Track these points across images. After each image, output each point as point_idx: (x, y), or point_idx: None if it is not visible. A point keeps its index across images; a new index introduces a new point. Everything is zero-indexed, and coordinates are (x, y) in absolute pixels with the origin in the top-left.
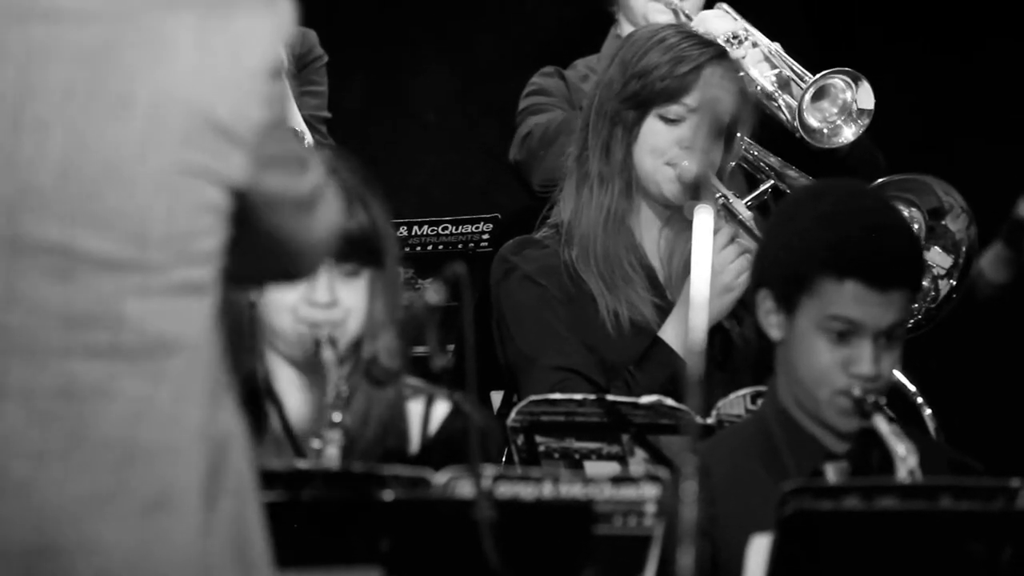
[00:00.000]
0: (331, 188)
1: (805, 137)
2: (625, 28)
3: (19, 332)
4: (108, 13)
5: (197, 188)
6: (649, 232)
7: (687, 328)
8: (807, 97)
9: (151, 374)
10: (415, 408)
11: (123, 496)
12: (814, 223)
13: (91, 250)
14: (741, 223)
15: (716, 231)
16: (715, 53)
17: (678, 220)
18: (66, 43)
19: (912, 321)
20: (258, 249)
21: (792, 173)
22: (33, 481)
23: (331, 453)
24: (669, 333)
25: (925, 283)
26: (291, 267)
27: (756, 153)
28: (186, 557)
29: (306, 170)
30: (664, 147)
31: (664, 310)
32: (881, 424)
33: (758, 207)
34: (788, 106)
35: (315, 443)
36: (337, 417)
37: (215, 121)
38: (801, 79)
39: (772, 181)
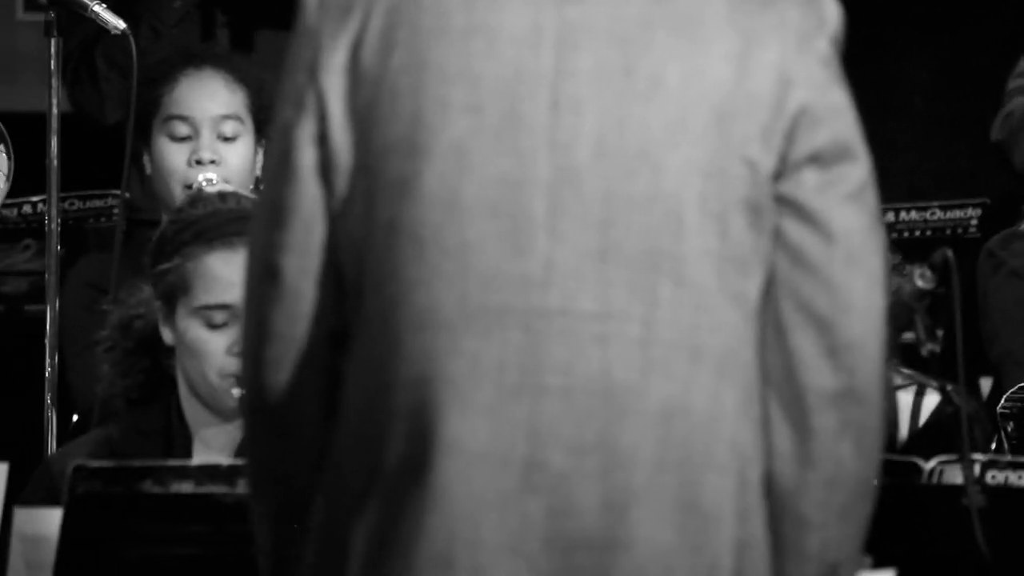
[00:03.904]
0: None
1: None
2: None
3: (557, 316)
4: None
5: (730, 178)
6: None
7: None
8: None
9: (682, 379)
10: (905, 398)
11: (655, 495)
12: None
13: (626, 232)
14: None
15: None
16: None
17: None
18: (599, 24)
19: None
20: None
21: None
22: (572, 475)
23: None
24: None
25: None
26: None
27: None
28: (720, 568)
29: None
30: None
31: None
32: None
33: None
34: None
35: None
36: None
37: (749, 111)
38: None
39: None
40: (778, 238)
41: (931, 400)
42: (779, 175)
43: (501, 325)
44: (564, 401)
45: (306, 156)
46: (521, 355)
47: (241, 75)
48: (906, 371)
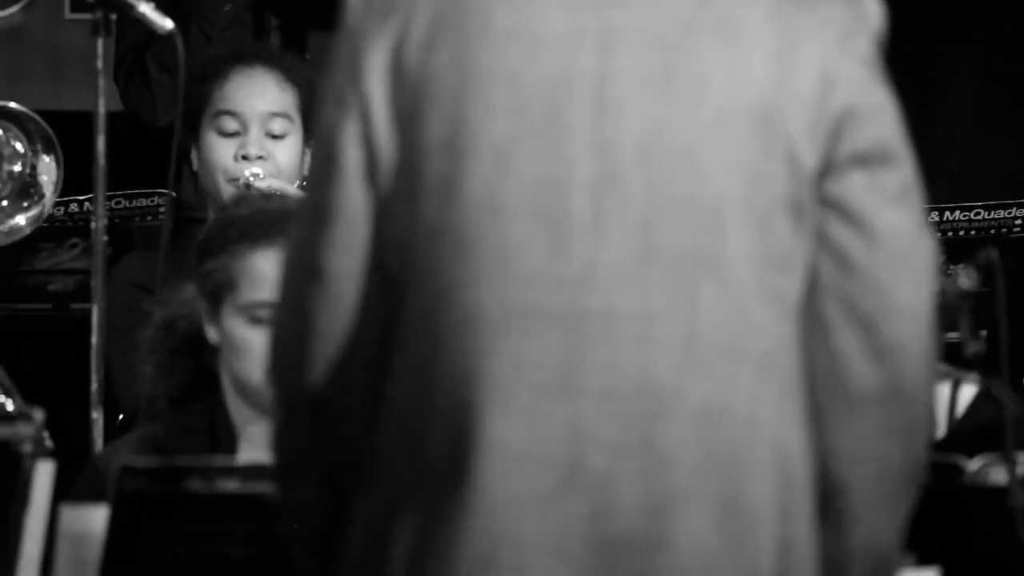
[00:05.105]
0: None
1: None
2: None
3: (598, 318)
4: None
5: (772, 178)
6: None
7: None
8: None
9: (723, 379)
10: (942, 390)
11: (696, 497)
12: None
13: (668, 234)
14: None
15: None
16: None
17: None
18: (641, 27)
19: None
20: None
21: None
22: (613, 476)
23: None
24: None
25: None
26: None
27: None
28: (761, 570)
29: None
30: None
31: None
32: None
33: None
34: None
35: None
36: None
37: (791, 111)
38: None
39: None
40: (822, 239)
41: (968, 392)
42: (822, 176)
43: (542, 326)
44: (605, 402)
45: (351, 157)
46: (562, 356)
47: (292, 74)
48: (940, 366)
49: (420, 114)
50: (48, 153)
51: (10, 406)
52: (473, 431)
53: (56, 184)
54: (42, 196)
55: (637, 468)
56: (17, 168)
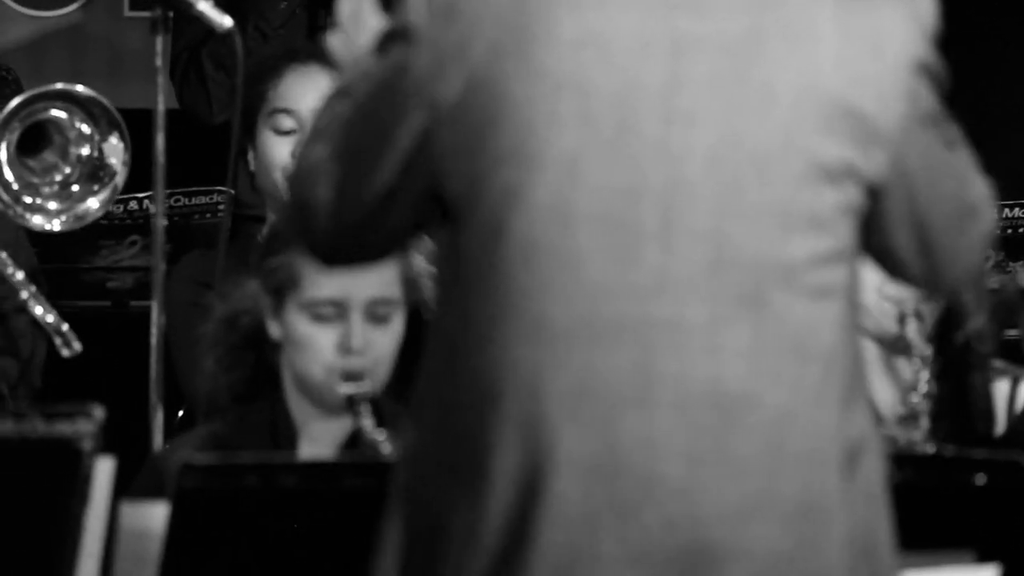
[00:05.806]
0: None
1: None
2: None
3: (667, 326)
4: (752, 4)
5: (838, 182)
6: None
7: None
8: None
9: (791, 384)
10: (1001, 387)
11: (772, 503)
12: None
13: (736, 242)
14: None
15: None
16: None
17: None
18: (711, 34)
19: None
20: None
21: None
22: (686, 484)
23: (914, 436)
24: None
25: None
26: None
27: None
28: (832, 567)
29: (970, 177)
30: None
31: None
32: None
33: None
34: None
35: (896, 428)
36: (915, 399)
37: (857, 113)
38: None
39: None
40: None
41: None
42: (876, 185)
43: (612, 336)
44: (678, 412)
45: (405, 162)
46: (632, 367)
47: None
48: (1000, 363)
49: (487, 121)
50: (114, 134)
51: (50, 318)
52: (547, 445)
53: (126, 164)
54: (112, 176)
55: (712, 477)
56: (85, 151)
